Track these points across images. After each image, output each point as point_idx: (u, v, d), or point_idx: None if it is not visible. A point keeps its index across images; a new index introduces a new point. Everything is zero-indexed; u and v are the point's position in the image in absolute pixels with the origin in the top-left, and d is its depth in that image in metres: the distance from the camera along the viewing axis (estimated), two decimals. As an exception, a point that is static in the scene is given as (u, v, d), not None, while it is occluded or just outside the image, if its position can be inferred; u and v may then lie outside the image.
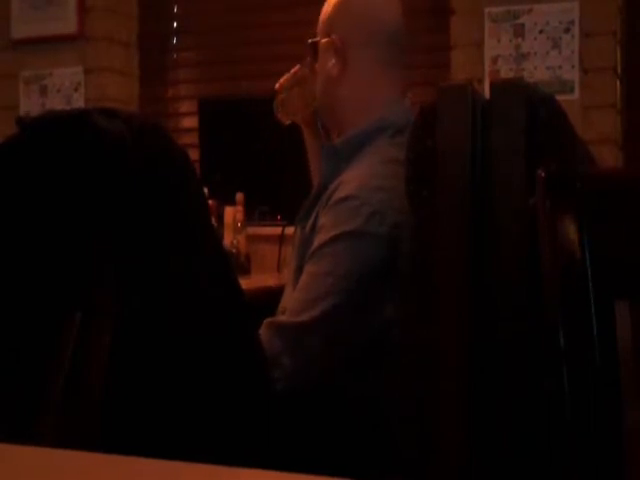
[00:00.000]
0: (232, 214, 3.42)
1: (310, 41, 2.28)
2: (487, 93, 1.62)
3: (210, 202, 3.04)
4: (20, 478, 0.64)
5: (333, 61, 2.17)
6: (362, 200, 1.94)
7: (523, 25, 3.94)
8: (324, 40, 2.20)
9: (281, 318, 1.95)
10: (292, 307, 1.93)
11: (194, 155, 4.10)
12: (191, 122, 4.65)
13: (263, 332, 1.89)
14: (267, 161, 4.00)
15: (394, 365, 1.77)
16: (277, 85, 2.49)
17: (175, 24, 4.93)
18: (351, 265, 1.91)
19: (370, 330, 1.90)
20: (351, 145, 2.13)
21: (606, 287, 1.01)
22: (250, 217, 3.53)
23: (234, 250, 3.29)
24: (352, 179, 2.01)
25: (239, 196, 3.49)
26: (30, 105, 4.86)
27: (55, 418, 1.45)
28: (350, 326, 1.91)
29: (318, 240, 1.97)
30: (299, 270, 2.02)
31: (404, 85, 2.24)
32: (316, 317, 1.88)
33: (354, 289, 1.90)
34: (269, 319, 1.93)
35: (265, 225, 3.84)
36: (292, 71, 2.48)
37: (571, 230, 1.04)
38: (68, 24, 4.77)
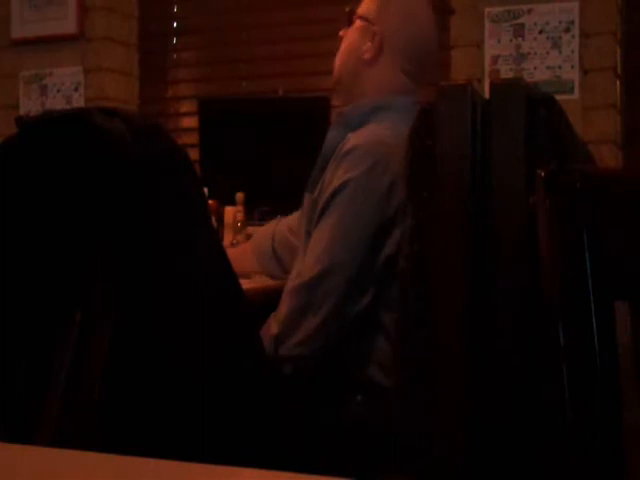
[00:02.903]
0: (232, 214, 3.42)
1: (349, 10, 2.33)
2: (487, 93, 1.62)
3: (210, 202, 3.04)
4: (19, 478, 0.64)
5: (369, 45, 2.22)
6: (365, 150, 2.01)
7: (523, 25, 3.94)
8: (368, 23, 2.22)
9: (297, 279, 2.00)
10: (306, 264, 2.00)
11: (194, 155, 4.10)
12: (191, 122, 4.65)
13: (284, 299, 1.98)
14: (267, 161, 4.00)
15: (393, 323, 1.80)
16: None
17: (175, 24, 4.93)
18: (361, 212, 1.98)
19: (370, 280, 1.94)
20: (359, 113, 2.18)
21: (606, 288, 1.01)
22: (250, 217, 3.53)
23: (234, 250, 3.29)
24: (357, 137, 2.07)
25: (239, 196, 3.49)
26: (30, 105, 4.86)
27: (55, 417, 1.45)
28: (355, 276, 1.95)
29: (327, 192, 2.03)
30: (308, 234, 2.05)
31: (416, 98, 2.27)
32: (328, 266, 1.95)
33: (366, 238, 1.95)
34: (293, 284, 1.99)
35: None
36: None
37: (570, 230, 1.04)
38: (68, 24, 4.77)
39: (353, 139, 2.06)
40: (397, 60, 2.23)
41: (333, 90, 2.54)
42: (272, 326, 1.99)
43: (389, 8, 2.25)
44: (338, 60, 2.32)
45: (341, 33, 2.35)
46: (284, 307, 1.99)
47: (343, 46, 2.31)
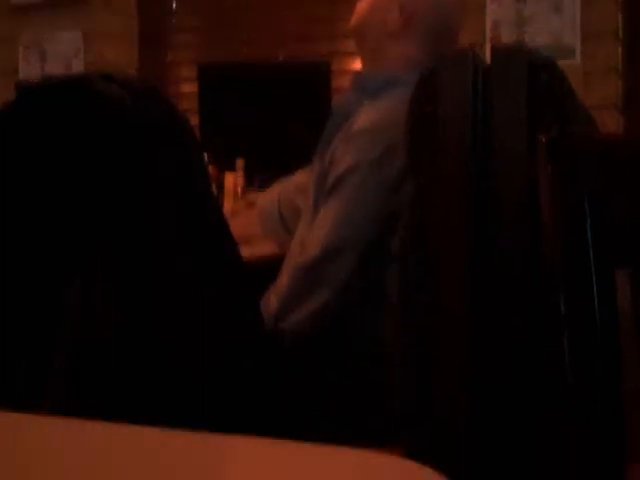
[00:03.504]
0: (232, 181, 3.42)
1: None
2: (488, 58, 1.61)
3: (210, 168, 3.03)
4: (25, 446, 0.64)
5: (396, 17, 2.18)
6: (381, 132, 1.98)
7: (524, -11, 3.93)
8: None
9: (303, 256, 1.99)
10: (313, 240, 1.98)
11: (194, 120, 4.08)
12: (191, 87, 4.63)
13: (290, 275, 1.97)
14: (268, 127, 3.99)
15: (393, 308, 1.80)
16: None
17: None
18: (371, 194, 1.96)
19: (377, 264, 1.94)
20: (378, 81, 2.15)
21: (607, 254, 1.01)
22: (250, 183, 3.52)
23: (235, 216, 3.29)
24: (374, 112, 2.04)
25: (239, 162, 3.48)
26: (29, 70, 4.84)
27: (59, 386, 1.45)
28: (367, 260, 1.95)
29: (338, 171, 2.00)
30: (315, 204, 2.04)
31: None
32: (336, 246, 1.94)
33: (374, 218, 1.94)
34: (296, 261, 1.99)
35: (266, 191, 3.85)
36: None
37: (572, 195, 1.04)
38: (67, -12, 4.75)
39: (367, 116, 2.03)
40: (421, 40, 2.18)
41: (351, 40, 2.47)
42: (272, 300, 1.99)
43: None
44: (360, 16, 2.23)
45: None
46: (285, 282, 1.98)
47: (369, 1, 2.25)
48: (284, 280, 2.00)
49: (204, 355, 1.64)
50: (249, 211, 2.70)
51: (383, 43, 2.20)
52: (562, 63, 1.70)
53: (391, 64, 2.18)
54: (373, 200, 1.95)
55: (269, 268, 2.14)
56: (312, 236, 1.99)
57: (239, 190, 3.40)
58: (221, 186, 3.40)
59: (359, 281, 1.97)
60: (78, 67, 4.75)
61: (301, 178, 2.43)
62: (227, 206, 3.32)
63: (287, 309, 1.96)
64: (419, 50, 2.17)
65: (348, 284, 1.96)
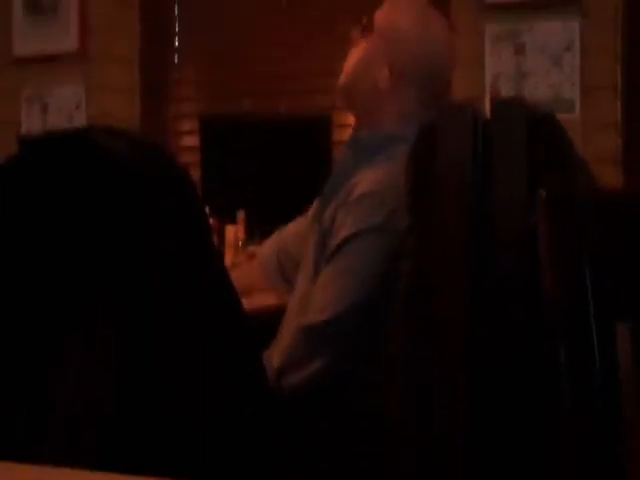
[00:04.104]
0: (233, 233, 3.42)
1: (366, 24, 2.25)
2: (488, 112, 1.62)
3: (211, 221, 3.04)
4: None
5: (386, 74, 2.18)
6: (383, 197, 1.97)
7: (524, 43, 3.95)
8: (387, 48, 2.19)
9: (306, 320, 1.98)
10: (316, 305, 1.97)
11: (195, 173, 4.10)
12: (193, 140, 4.65)
13: (293, 336, 1.96)
14: (269, 180, 4.00)
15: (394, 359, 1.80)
16: None
17: (177, 42, 4.94)
18: (373, 261, 1.95)
19: (378, 325, 1.93)
20: (375, 142, 2.14)
21: (607, 309, 1.01)
22: (251, 236, 3.52)
23: (236, 269, 3.28)
24: (373, 176, 2.03)
25: (240, 214, 3.48)
26: (31, 123, 4.87)
27: (60, 433, 1.45)
28: (368, 323, 1.94)
29: (339, 237, 1.99)
30: (316, 265, 2.04)
31: None
32: (340, 315, 1.94)
33: (375, 286, 1.94)
34: (300, 322, 1.98)
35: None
36: None
37: (572, 250, 1.04)
38: (70, 42, 4.78)
39: (367, 180, 2.02)
40: (414, 91, 2.17)
41: (340, 103, 2.47)
42: (274, 357, 1.98)
43: (410, 36, 2.19)
44: (349, 76, 2.23)
45: (353, 35, 2.29)
46: (287, 342, 1.98)
47: (355, 62, 2.23)
48: (286, 339, 1.99)
49: (204, 404, 1.63)
50: (250, 263, 2.70)
51: (376, 101, 2.20)
52: (561, 117, 1.71)
53: (386, 121, 2.18)
54: (375, 267, 1.94)
55: (270, 320, 2.14)
56: (313, 300, 1.99)
57: (240, 242, 3.40)
58: (222, 238, 3.41)
59: (359, 345, 1.96)
60: (80, 120, 4.77)
61: (299, 227, 2.43)
62: (228, 258, 3.32)
63: (289, 369, 1.95)
64: (413, 103, 2.17)
65: (348, 349, 1.96)
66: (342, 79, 2.27)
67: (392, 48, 2.18)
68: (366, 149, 2.14)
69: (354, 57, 2.25)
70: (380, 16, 2.24)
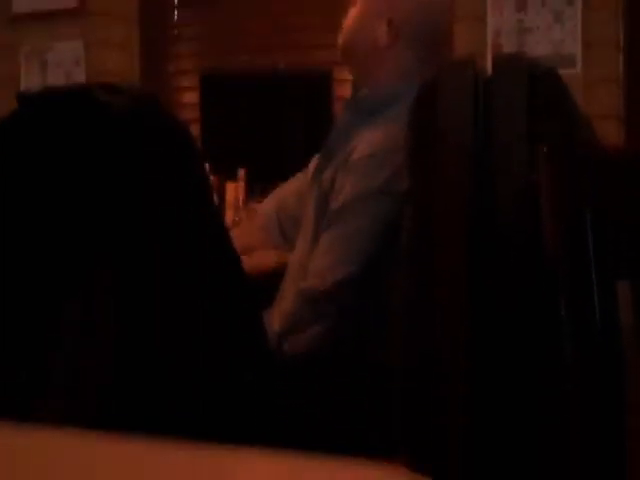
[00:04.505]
0: (234, 191, 3.42)
1: None
2: (489, 68, 1.61)
3: (211, 178, 3.03)
4: (19, 457, 0.64)
5: (384, 30, 2.17)
6: (382, 159, 1.97)
7: (525, -2, 3.93)
8: (384, 5, 2.18)
9: (307, 285, 1.98)
10: (316, 270, 1.98)
11: (195, 130, 4.09)
12: (192, 97, 4.64)
13: (294, 300, 1.96)
14: (269, 136, 3.99)
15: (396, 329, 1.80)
16: None
17: (176, -2, 4.92)
18: (373, 225, 1.95)
19: (384, 291, 1.94)
20: (374, 103, 2.14)
21: (608, 264, 1.01)
22: (252, 193, 3.52)
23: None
24: (372, 138, 2.03)
25: (241, 173, 3.48)
26: (30, 79, 4.85)
27: (58, 401, 1.45)
28: (370, 288, 1.95)
29: (339, 200, 1.99)
30: (316, 227, 2.04)
31: None
32: (341, 281, 1.94)
33: (376, 250, 1.94)
34: (300, 287, 1.98)
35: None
36: None
37: (573, 205, 1.04)
38: (69, -2, 4.76)
39: (368, 141, 2.01)
40: (413, 47, 2.17)
41: (340, 61, 2.47)
42: (275, 320, 1.98)
43: None
44: (348, 34, 2.24)
45: None
46: (289, 305, 1.98)
47: (354, 20, 2.23)
48: (287, 303, 2.00)
49: (205, 367, 1.64)
50: (250, 221, 2.70)
51: (375, 58, 2.19)
52: (563, 73, 1.70)
53: (386, 78, 2.17)
54: (375, 230, 1.95)
55: (271, 278, 2.14)
56: (314, 265, 1.99)
57: (240, 200, 3.40)
58: (222, 196, 3.40)
59: (361, 309, 1.97)
60: (79, 77, 4.75)
61: (298, 185, 2.43)
62: (229, 216, 3.32)
63: (290, 332, 1.96)
64: (413, 59, 2.17)
65: (349, 313, 1.96)
66: (341, 40, 2.27)
67: (389, 4, 2.18)
68: (365, 110, 2.13)
69: (352, 15, 2.25)
70: None
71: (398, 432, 1.72)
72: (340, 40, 2.27)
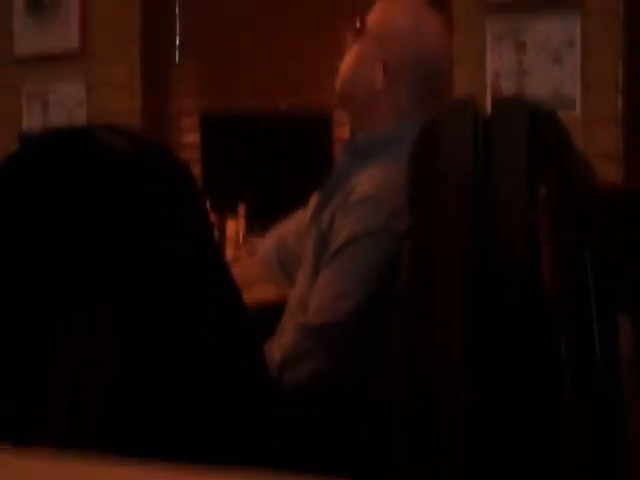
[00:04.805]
0: (234, 228, 3.42)
1: (359, 26, 2.25)
2: (489, 109, 1.62)
3: (212, 216, 3.04)
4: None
5: (381, 75, 2.18)
6: (382, 199, 1.98)
7: (524, 41, 3.94)
8: (380, 49, 2.19)
9: (306, 320, 2.00)
10: (316, 306, 1.99)
11: (197, 170, 4.10)
12: (193, 137, 4.65)
13: (294, 334, 1.98)
14: (269, 177, 4.00)
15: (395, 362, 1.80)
16: None
17: (178, 40, 4.94)
18: (373, 264, 1.97)
19: (384, 328, 1.94)
20: (372, 145, 2.15)
21: (608, 301, 1.01)
22: (252, 231, 3.52)
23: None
24: (371, 178, 2.04)
25: (241, 209, 3.48)
26: (32, 120, 4.87)
27: (59, 424, 1.45)
28: (370, 325, 1.96)
29: (339, 239, 2.01)
30: (315, 265, 2.05)
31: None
32: (340, 317, 1.96)
33: (375, 288, 1.95)
34: (300, 322, 2.00)
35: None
36: None
37: (572, 244, 1.04)
38: (71, 40, 4.78)
39: (367, 182, 2.03)
40: (409, 89, 2.17)
41: (337, 105, 2.48)
42: (275, 354, 1.99)
43: (402, 35, 2.19)
44: (345, 79, 2.24)
45: (347, 38, 2.28)
46: (289, 340, 2.00)
47: (350, 65, 2.23)
48: (287, 337, 2.01)
49: (206, 398, 1.64)
50: (250, 258, 2.71)
51: (372, 101, 2.19)
52: (562, 114, 1.71)
53: (383, 121, 2.17)
54: (374, 269, 1.96)
55: (271, 313, 2.15)
56: (313, 301, 2.01)
57: (241, 237, 3.40)
58: (223, 233, 3.41)
59: (359, 345, 1.98)
60: (81, 118, 4.77)
61: (297, 223, 2.44)
62: (229, 253, 3.32)
63: (290, 364, 1.97)
64: (409, 100, 2.17)
65: (347, 350, 1.97)
66: (338, 82, 2.28)
67: (384, 47, 2.19)
68: (363, 152, 2.14)
69: (348, 60, 2.26)
70: (372, 16, 2.24)
71: (398, 465, 1.71)
72: (337, 85, 2.28)
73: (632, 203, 1.07)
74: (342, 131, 3.96)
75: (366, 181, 2.03)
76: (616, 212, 1.07)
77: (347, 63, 2.25)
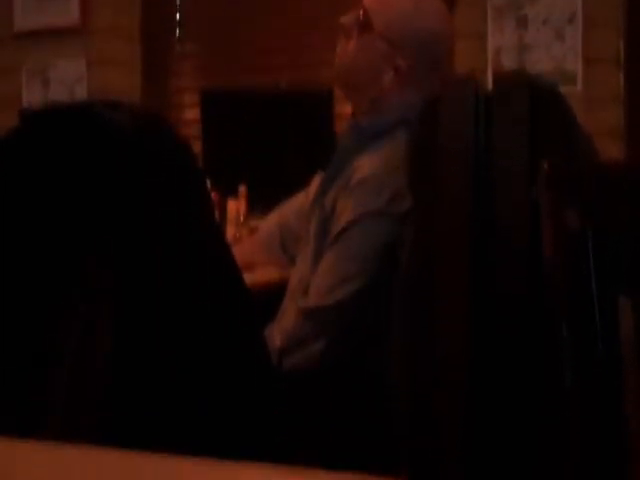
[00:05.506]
0: (235, 207, 3.42)
1: (362, 18, 2.20)
2: (490, 84, 1.62)
3: (213, 195, 3.04)
4: (23, 472, 0.64)
5: (391, 75, 2.15)
6: (383, 181, 1.98)
7: (526, 16, 3.93)
8: (391, 49, 2.17)
9: (308, 302, 2.00)
10: (318, 289, 2.00)
11: (197, 147, 4.09)
12: (194, 114, 4.64)
13: (295, 318, 1.99)
14: (270, 153, 3.99)
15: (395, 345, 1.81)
16: None
17: (178, 16, 4.92)
18: (374, 246, 1.97)
19: (384, 311, 1.95)
20: (376, 128, 2.13)
21: (609, 282, 1.01)
22: (253, 210, 3.52)
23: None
24: (374, 160, 2.04)
25: (242, 189, 3.48)
26: (32, 97, 4.86)
27: (58, 412, 1.45)
28: (370, 308, 1.97)
29: (340, 222, 2.01)
30: (317, 248, 2.05)
31: None
32: (341, 301, 1.96)
33: (377, 270, 1.96)
34: (301, 306, 2.00)
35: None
36: None
37: (573, 222, 1.04)
38: (71, 16, 4.77)
39: (368, 164, 2.02)
40: (421, 84, 2.13)
41: (337, 87, 2.46)
42: (276, 337, 2.00)
43: (413, 32, 2.16)
44: (349, 70, 2.21)
45: (344, 21, 2.25)
46: (289, 323, 2.00)
47: (357, 58, 2.18)
48: (288, 320, 2.01)
49: (205, 382, 1.64)
50: (251, 237, 2.71)
51: (381, 97, 2.16)
52: (564, 90, 1.70)
53: (389, 108, 2.15)
54: (376, 252, 1.96)
55: (272, 294, 2.15)
56: (315, 284, 2.01)
57: (241, 217, 3.40)
58: (224, 212, 3.41)
59: (361, 327, 1.98)
60: (81, 94, 4.76)
61: (300, 204, 2.43)
62: (230, 232, 3.32)
63: (290, 349, 1.98)
64: (417, 89, 2.15)
65: (348, 333, 1.98)
66: (340, 72, 2.25)
67: (396, 51, 2.15)
68: (367, 135, 2.13)
69: (353, 52, 2.21)
70: (374, 4, 2.20)
71: (400, 448, 1.71)
72: (337, 70, 2.25)
73: (635, 180, 1.06)
74: (343, 107, 3.95)
75: (368, 164, 2.03)
76: (618, 189, 1.07)
77: (351, 54, 2.21)
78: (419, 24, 2.16)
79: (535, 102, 1.55)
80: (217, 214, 3.05)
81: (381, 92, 2.16)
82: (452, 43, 2.26)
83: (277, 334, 2.00)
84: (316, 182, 2.28)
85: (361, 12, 2.19)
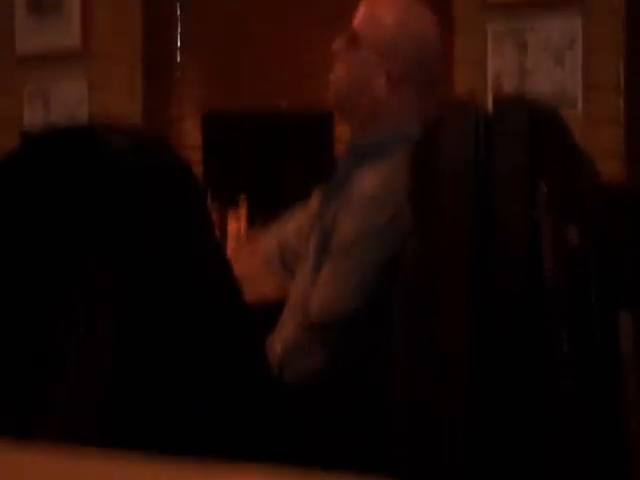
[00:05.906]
0: (235, 224, 3.44)
1: (356, 34, 2.22)
2: (490, 108, 1.62)
3: (213, 214, 3.04)
4: (24, 476, 0.64)
5: (383, 82, 2.17)
6: (385, 199, 2.00)
7: (526, 41, 3.94)
8: (379, 58, 2.18)
9: (308, 317, 2.02)
10: (318, 302, 2.01)
11: (198, 170, 4.10)
12: (195, 138, 4.65)
13: (295, 331, 2.01)
14: (271, 176, 4.00)
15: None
16: None
17: (179, 41, 4.94)
18: (374, 263, 1.98)
19: (384, 326, 1.96)
20: (376, 146, 2.15)
21: (609, 299, 1.01)
22: (253, 225, 3.53)
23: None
24: (375, 177, 2.05)
25: (242, 205, 3.50)
26: (33, 119, 4.87)
27: (59, 414, 1.45)
28: (370, 321, 1.97)
29: (341, 237, 2.03)
30: (316, 263, 2.06)
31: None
32: (341, 313, 1.99)
33: (376, 287, 1.97)
34: (300, 320, 2.02)
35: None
36: None
37: (574, 243, 1.04)
38: (72, 39, 4.78)
39: (369, 182, 2.04)
40: (412, 90, 2.17)
41: (334, 110, 2.48)
42: (276, 347, 2.01)
43: (400, 40, 2.18)
44: (344, 91, 2.23)
45: (334, 47, 2.26)
46: (290, 336, 2.01)
47: (349, 75, 2.21)
48: (288, 332, 2.02)
49: (205, 393, 1.64)
50: (252, 254, 2.71)
51: (375, 109, 2.18)
52: (564, 113, 1.70)
53: (386, 125, 2.17)
54: (377, 264, 1.97)
55: (272, 308, 2.16)
56: (315, 299, 2.02)
57: (242, 234, 3.42)
58: (224, 227, 3.43)
59: (361, 340, 1.99)
60: (82, 117, 4.77)
61: (299, 220, 2.44)
62: (230, 247, 3.33)
63: (291, 360, 1.98)
64: (412, 101, 2.17)
65: (348, 348, 1.98)
66: (334, 94, 2.26)
67: (385, 57, 2.17)
68: (366, 154, 2.14)
69: (344, 71, 2.23)
70: (360, 22, 2.22)
71: (398, 459, 1.71)
72: (333, 95, 2.26)
73: (634, 201, 1.07)
74: (343, 129, 3.96)
75: (368, 180, 2.04)
76: (618, 211, 1.07)
77: (343, 74, 2.23)
78: (406, 30, 2.19)
79: (534, 124, 1.55)
80: (218, 232, 3.06)
81: (376, 101, 2.17)
82: (441, 48, 2.27)
83: (277, 346, 2.01)
84: (316, 198, 2.29)
85: (350, 33, 2.21)
